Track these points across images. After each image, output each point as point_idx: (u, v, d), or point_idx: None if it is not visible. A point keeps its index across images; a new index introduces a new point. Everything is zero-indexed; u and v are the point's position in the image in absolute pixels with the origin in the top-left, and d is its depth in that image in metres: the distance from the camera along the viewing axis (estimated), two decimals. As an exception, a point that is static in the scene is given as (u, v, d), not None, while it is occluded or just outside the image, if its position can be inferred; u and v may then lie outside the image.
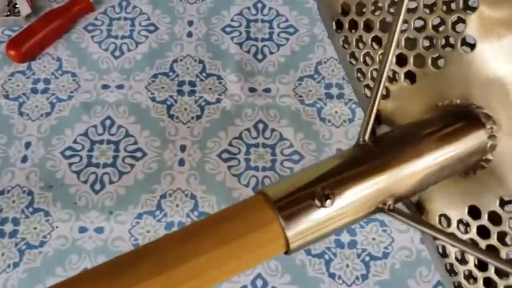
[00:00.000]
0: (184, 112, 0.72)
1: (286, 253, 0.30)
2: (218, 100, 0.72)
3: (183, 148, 0.69)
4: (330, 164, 0.32)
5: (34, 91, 0.73)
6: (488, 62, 0.33)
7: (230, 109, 0.72)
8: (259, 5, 0.79)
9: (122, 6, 0.80)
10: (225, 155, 0.69)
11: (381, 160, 0.32)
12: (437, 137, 0.34)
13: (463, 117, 0.34)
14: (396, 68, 0.39)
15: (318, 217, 0.30)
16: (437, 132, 0.34)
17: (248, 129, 0.70)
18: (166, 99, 0.72)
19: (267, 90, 0.73)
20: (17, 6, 0.77)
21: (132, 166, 0.68)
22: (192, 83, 0.74)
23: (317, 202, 0.30)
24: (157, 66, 0.75)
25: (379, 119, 0.41)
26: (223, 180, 0.67)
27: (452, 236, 0.35)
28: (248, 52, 0.76)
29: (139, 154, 0.69)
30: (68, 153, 0.69)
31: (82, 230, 0.65)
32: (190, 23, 0.78)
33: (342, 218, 0.31)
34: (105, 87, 0.73)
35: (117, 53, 0.76)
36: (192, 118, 0.71)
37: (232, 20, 0.78)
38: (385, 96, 0.40)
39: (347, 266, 0.63)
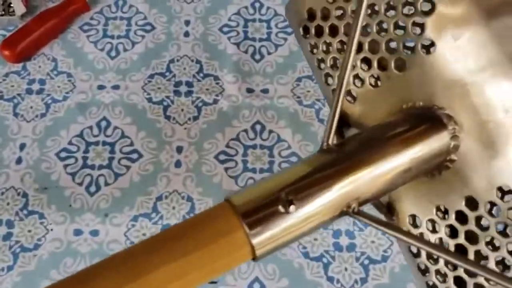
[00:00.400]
0: (180, 113, 0.71)
1: (254, 259, 0.31)
2: (215, 101, 0.71)
3: (179, 150, 0.68)
4: (295, 170, 0.33)
5: (29, 91, 0.72)
6: (448, 64, 0.33)
7: (227, 110, 0.71)
8: (257, 5, 0.78)
9: (118, 5, 0.79)
10: (222, 157, 0.68)
11: (345, 165, 0.33)
12: (400, 139, 0.34)
13: (426, 119, 0.35)
14: (362, 72, 0.39)
15: (283, 223, 0.30)
16: (401, 135, 0.34)
17: (245, 130, 0.70)
18: (162, 100, 0.71)
19: (265, 91, 0.72)
20: (11, 5, 0.76)
21: (128, 167, 0.67)
22: (189, 84, 0.73)
23: (281, 208, 0.30)
24: (153, 66, 0.74)
25: (348, 123, 0.41)
26: (220, 182, 0.66)
27: (417, 237, 0.35)
28: (246, 52, 0.75)
29: (135, 156, 0.68)
30: (63, 154, 0.68)
31: (77, 233, 0.64)
32: (187, 22, 0.77)
33: (307, 223, 0.31)
34: (100, 87, 0.72)
35: (113, 53, 0.75)
36: (189, 119, 0.70)
37: (229, 19, 0.77)
38: (353, 100, 0.40)
39: (346, 269, 0.62)
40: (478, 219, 0.34)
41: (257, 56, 0.74)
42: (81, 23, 0.77)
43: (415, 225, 0.38)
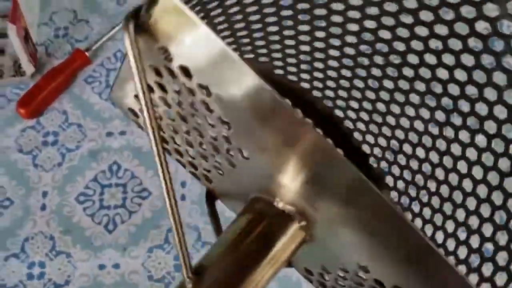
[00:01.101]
0: (181, 151, 0.79)
1: None
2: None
3: (183, 184, 0.77)
4: None
5: (45, 144, 0.81)
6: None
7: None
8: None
9: (117, 56, 0.87)
10: (221, 187, 0.77)
11: None
12: (257, 249, 0.34)
13: (273, 214, 0.34)
14: (204, 163, 0.38)
15: None
16: (255, 243, 0.34)
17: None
18: (164, 141, 0.80)
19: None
20: (21, 66, 0.85)
21: (139, 205, 0.76)
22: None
23: None
24: (153, 111, 0.82)
25: (215, 196, 0.42)
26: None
27: None
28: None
29: (145, 194, 0.77)
30: (81, 198, 0.77)
31: (101, 267, 0.73)
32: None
33: None
34: (109, 134, 0.81)
35: (116, 102, 0.84)
36: (189, 156, 0.79)
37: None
38: (210, 182, 0.41)
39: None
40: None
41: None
42: (85, 76, 0.86)
43: (310, 273, 0.40)
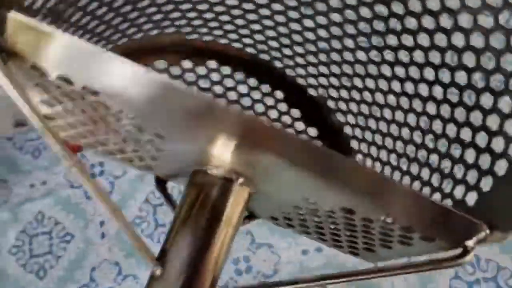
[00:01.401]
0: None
1: None
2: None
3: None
4: None
5: (93, 175, 0.85)
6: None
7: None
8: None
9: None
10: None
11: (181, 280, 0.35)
12: (207, 217, 0.36)
13: (210, 180, 0.36)
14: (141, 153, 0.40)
15: None
16: (204, 211, 0.36)
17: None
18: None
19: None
20: (57, 106, 0.88)
21: (192, 218, 0.79)
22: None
23: None
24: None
25: (164, 180, 0.45)
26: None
27: None
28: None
29: (195, 207, 0.80)
30: (137, 221, 0.81)
31: (167, 282, 0.76)
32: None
33: None
34: (150, 156, 0.84)
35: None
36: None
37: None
38: (151, 168, 0.42)
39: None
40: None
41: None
42: (117, 105, 0.90)
43: (275, 219, 0.43)
